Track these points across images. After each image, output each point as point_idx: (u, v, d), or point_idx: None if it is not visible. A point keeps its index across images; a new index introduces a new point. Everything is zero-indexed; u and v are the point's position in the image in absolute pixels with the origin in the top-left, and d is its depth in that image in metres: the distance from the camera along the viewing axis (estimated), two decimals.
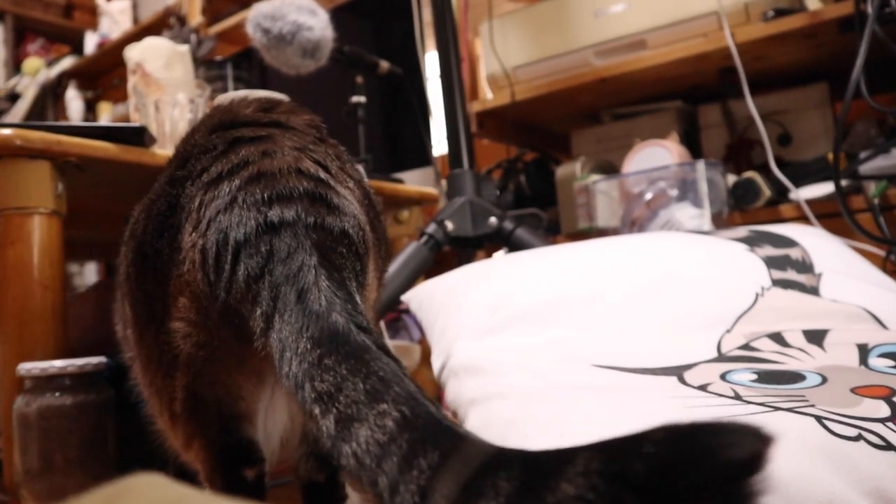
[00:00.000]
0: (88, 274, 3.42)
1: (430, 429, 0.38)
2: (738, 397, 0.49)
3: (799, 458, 0.39)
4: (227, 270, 0.51)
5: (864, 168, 1.22)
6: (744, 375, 0.56)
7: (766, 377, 0.55)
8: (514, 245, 1.21)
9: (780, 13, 1.37)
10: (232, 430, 0.58)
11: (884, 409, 0.45)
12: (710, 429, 0.27)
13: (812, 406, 0.46)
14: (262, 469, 0.60)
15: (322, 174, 0.57)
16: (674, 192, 1.33)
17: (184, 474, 0.75)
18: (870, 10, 1.16)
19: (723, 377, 0.56)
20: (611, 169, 1.64)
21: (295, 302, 0.48)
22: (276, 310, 0.48)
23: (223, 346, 0.54)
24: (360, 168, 1.28)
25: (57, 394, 0.78)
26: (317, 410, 0.42)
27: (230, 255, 0.51)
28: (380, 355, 0.44)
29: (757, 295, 0.74)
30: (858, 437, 0.42)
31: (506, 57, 1.71)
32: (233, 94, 1.19)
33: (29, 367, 0.77)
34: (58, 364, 0.78)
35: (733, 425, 0.27)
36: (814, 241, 0.86)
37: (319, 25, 1.22)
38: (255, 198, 0.53)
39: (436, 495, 0.34)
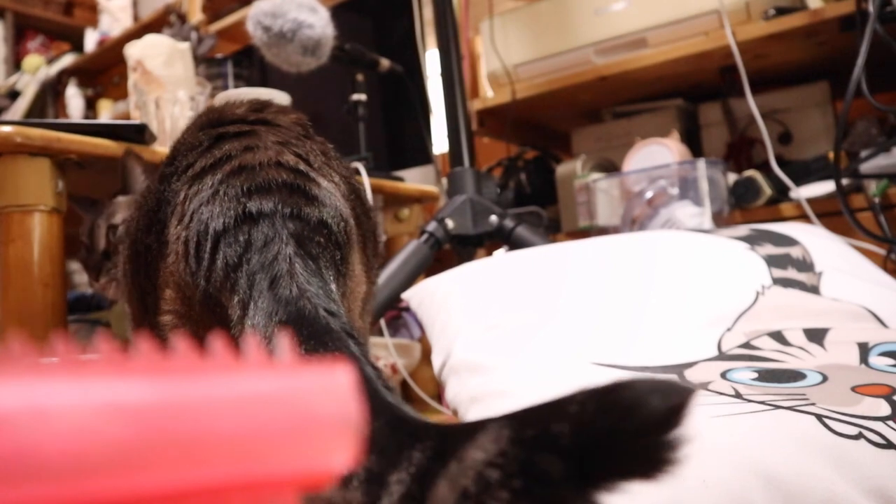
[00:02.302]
0: None
1: (372, 407, 0.39)
2: (738, 395, 0.49)
3: (799, 456, 0.39)
4: (207, 259, 0.53)
5: (865, 167, 1.22)
6: (744, 374, 0.56)
7: (767, 376, 0.55)
8: (515, 243, 1.21)
9: (781, 12, 1.37)
10: None
11: (884, 408, 0.45)
12: (630, 385, 0.27)
13: (812, 405, 0.46)
14: None
15: (302, 166, 0.58)
16: (674, 191, 1.33)
17: None
18: (871, 8, 1.15)
19: (723, 375, 0.56)
20: (611, 167, 1.64)
21: (267, 289, 0.49)
22: (252, 297, 0.50)
23: (208, 335, 0.55)
24: (360, 166, 1.28)
25: None
26: None
27: (210, 244, 0.53)
28: (341, 337, 0.45)
29: (757, 293, 0.74)
30: (859, 436, 0.41)
31: (506, 55, 1.71)
32: (232, 93, 1.19)
33: None
34: None
35: (652, 381, 0.27)
36: (814, 239, 0.86)
37: (320, 23, 1.22)
38: (235, 190, 0.54)
39: (361, 469, 0.36)
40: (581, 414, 0.28)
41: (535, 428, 0.29)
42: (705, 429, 0.42)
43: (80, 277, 3.39)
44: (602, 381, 0.28)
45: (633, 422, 0.26)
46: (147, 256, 0.58)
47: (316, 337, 0.45)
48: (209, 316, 0.54)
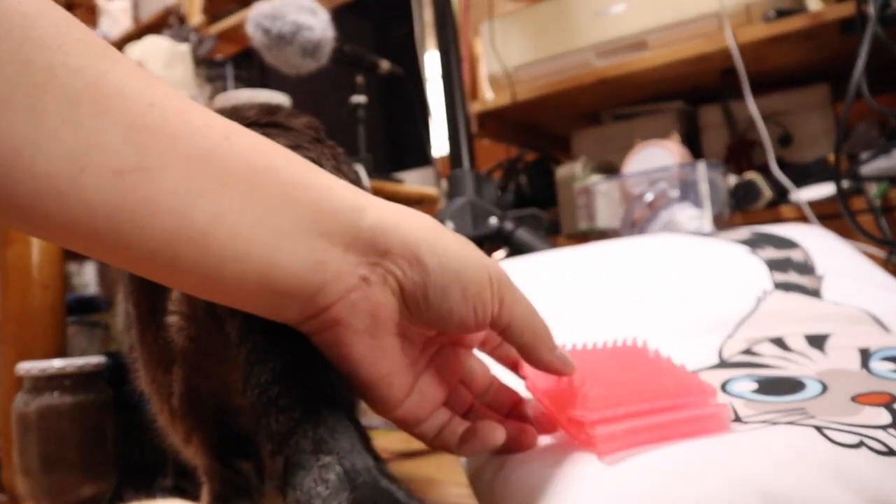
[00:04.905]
0: (87, 273, 3.42)
1: None
2: (737, 419, 0.48)
3: (798, 468, 0.38)
4: None
5: (866, 169, 1.22)
6: (745, 385, 0.56)
7: (767, 387, 0.55)
8: (515, 245, 1.21)
9: (782, 14, 1.37)
10: (228, 424, 0.59)
11: (885, 417, 0.45)
12: None
13: (812, 418, 0.45)
14: (260, 463, 0.61)
15: None
16: (674, 193, 1.33)
17: (183, 473, 0.75)
18: (871, 11, 1.15)
19: (724, 388, 0.56)
20: (611, 169, 1.64)
21: None
22: None
23: (211, 339, 0.55)
24: (362, 169, 1.28)
25: (56, 394, 0.77)
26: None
27: None
28: None
29: (759, 299, 0.74)
30: (860, 444, 0.41)
31: (506, 57, 1.71)
32: (233, 94, 1.19)
33: (28, 367, 0.77)
34: (57, 364, 0.78)
35: None
36: (815, 241, 0.86)
37: (320, 25, 1.22)
38: None
39: None
40: None
41: None
42: (701, 445, 0.41)
43: (79, 279, 3.39)
44: None
45: None
46: None
47: None
48: (211, 318, 0.54)
